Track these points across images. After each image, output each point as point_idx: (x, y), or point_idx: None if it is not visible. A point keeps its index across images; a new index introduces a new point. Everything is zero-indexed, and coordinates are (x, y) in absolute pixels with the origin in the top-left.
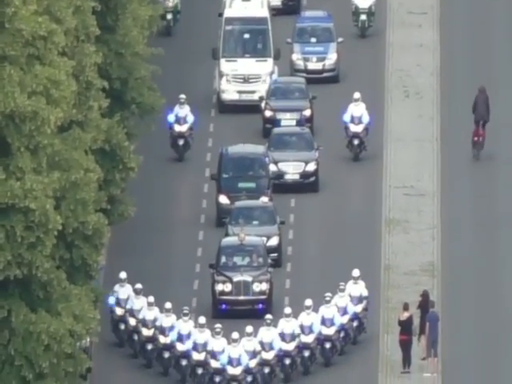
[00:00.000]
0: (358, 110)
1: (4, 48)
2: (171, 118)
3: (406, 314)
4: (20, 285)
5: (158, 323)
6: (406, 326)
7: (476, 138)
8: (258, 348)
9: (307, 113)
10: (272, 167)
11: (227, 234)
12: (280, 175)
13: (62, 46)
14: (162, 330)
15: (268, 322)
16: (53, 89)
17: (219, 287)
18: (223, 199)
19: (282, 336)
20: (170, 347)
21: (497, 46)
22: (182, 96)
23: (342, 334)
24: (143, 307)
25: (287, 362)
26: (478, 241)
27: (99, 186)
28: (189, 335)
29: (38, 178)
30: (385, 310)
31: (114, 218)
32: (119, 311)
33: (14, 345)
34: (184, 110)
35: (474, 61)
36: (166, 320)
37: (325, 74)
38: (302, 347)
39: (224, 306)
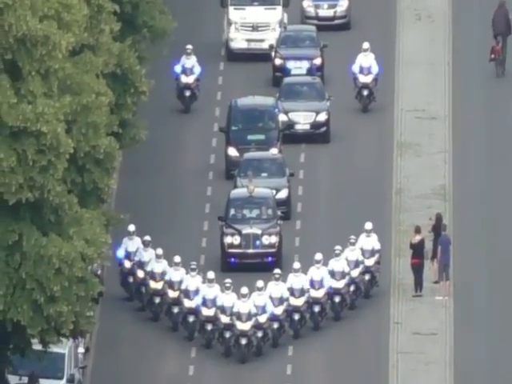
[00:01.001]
0: (367, 60)
1: None
2: (178, 68)
3: (417, 238)
4: (31, 209)
5: (166, 277)
6: (417, 250)
7: (493, 56)
8: (269, 303)
9: (318, 61)
10: (282, 117)
11: (236, 187)
12: (290, 125)
13: None
14: (171, 284)
15: (277, 276)
16: (64, 12)
17: (228, 240)
18: (232, 151)
19: (291, 291)
20: (179, 302)
21: None
22: (189, 46)
23: (352, 288)
24: (151, 259)
25: (296, 317)
26: (489, 164)
27: (111, 110)
28: (196, 291)
29: (50, 101)
30: (396, 234)
31: (126, 142)
32: (128, 264)
33: (25, 268)
34: (191, 61)
35: None
36: (174, 274)
37: (336, 21)
38: (311, 302)
39: (233, 260)
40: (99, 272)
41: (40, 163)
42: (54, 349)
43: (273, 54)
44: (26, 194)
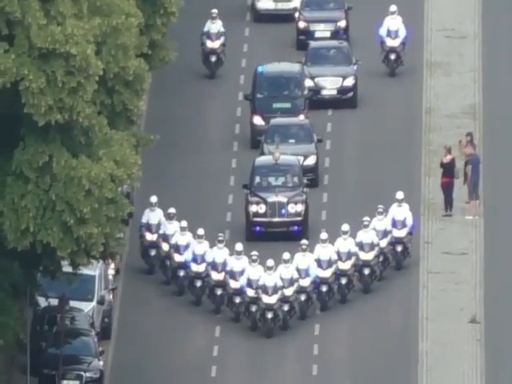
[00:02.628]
0: (394, 23)
1: None
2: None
3: (448, 157)
4: (61, 130)
5: (189, 250)
6: (448, 169)
7: None
8: (296, 275)
9: (342, 24)
10: (309, 82)
11: (263, 153)
12: (317, 91)
13: None
14: (194, 258)
15: (304, 247)
16: None
17: (253, 209)
18: (257, 120)
19: (319, 262)
20: (202, 275)
21: None
22: (214, 11)
23: (380, 259)
24: (176, 232)
25: (324, 289)
26: None
27: (140, 31)
28: (224, 263)
29: (79, 23)
30: (426, 153)
31: (155, 63)
32: (149, 236)
33: (55, 190)
34: (216, 26)
35: None
36: (198, 247)
37: None
38: (339, 274)
39: (258, 229)
40: (129, 191)
41: (69, 85)
42: (84, 271)
43: (296, 16)
44: (55, 116)
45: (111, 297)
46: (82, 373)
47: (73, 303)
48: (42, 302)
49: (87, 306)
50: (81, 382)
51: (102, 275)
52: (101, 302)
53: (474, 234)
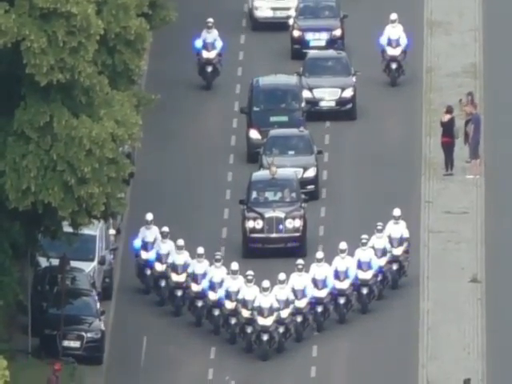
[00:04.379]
0: (395, 32)
1: None
2: (198, 43)
3: (448, 116)
4: (62, 90)
5: (189, 270)
6: (448, 128)
7: None
8: (291, 297)
9: (338, 33)
10: (306, 94)
11: (261, 166)
12: (315, 102)
13: None
14: (195, 278)
15: (299, 267)
16: None
17: (250, 224)
18: (254, 134)
19: (314, 282)
20: (202, 296)
21: None
22: (210, 20)
23: (379, 278)
24: (171, 251)
25: (320, 309)
26: None
27: None
28: (221, 283)
29: None
30: (427, 113)
31: (156, 23)
32: (145, 255)
33: (56, 150)
34: (212, 35)
35: None
36: (198, 266)
37: None
38: (336, 294)
39: (255, 245)
40: (130, 151)
41: (70, 44)
42: (85, 231)
43: (290, 24)
44: (56, 76)
45: (112, 257)
46: (83, 333)
47: (74, 263)
48: (43, 262)
49: (88, 266)
50: (82, 342)
51: (102, 235)
52: (102, 262)
53: (474, 194)
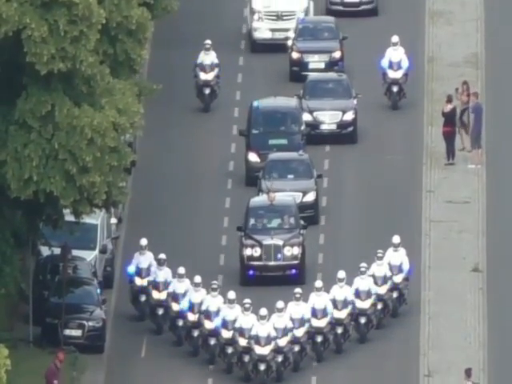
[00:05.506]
0: (396, 54)
1: None
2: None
3: (449, 106)
4: (63, 79)
5: (186, 299)
6: (449, 118)
7: None
8: (290, 325)
9: (337, 55)
10: (307, 116)
11: (260, 190)
12: (315, 125)
13: None
14: (191, 306)
15: (297, 296)
16: None
17: (247, 252)
18: (253, 157)
19: (313, 312)
20: (198, 324)
21: None
22: (208, 41)
23: (379, 306)
24: (172, 280)
25: (319, 339)
26: None
27: None
28: (217, 312)
29: None
30: (429, 102)
31: (158, 12)
32: (139, 281)
33: (57, 139)
34: (210, 57)
35: None
36: (195, 295)
37: (362, 7)
38: (334, 323)
39: (252, 272)
40: (132, 140)
41: (72, 33)
42: (87, 220)
43: (289, 45)
44: (57, 65)
45: (113, 246)
46: (85, 322)
47: (75, 252)
48: (45, 251)
49: (89, 255)
50: (83, 330)
51: (104, 224)
52: (103, 250)
53: (476, 183)
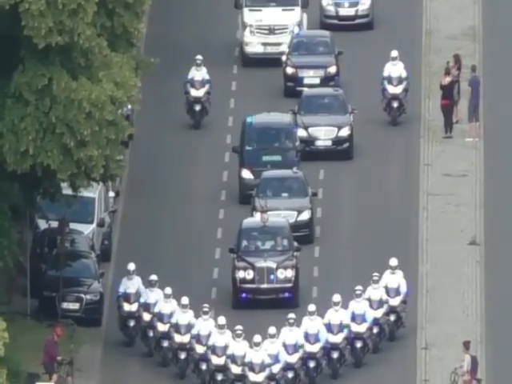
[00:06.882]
0: (396, 69)
1: None
2: None
3: (447, 79)
4: (61, 52)
5: (173, 320)
6: (447, 91)
7: None
8: (282, 351)
9: (332, 70)
10: (302, 132)
11: (254, 208)
12: (310, 141)
13: None
14: (178, 328)
15: (291, 322)
16: None
17: (240, 274)
18: (246, 174)
19: (306, 336)
20: (187, 348)
21: None
22: (199, 57)
23: (375, 330)
24: (159, 300)
25: (312, 364)
26: None
27: None
28: (209, 336)
29: None
30: (426, 75)
31: None
32: (127, 307)
33: (55, 112)
34: (201, 73)
35: None
36: (182, 317)
37: (358, 21)
38: (329, 348)
39: (245, 295)
40: (129, 113)
41: (69, 7)
42: (84, 193)
43: (283, 60)
44: (55, 38)
45: (111, 219)
46: (82, 295)
47: (73, 225)
48: (42, 224)
49: (87, 229)
50: (81, 304)
51: (101, 197)
52: (101, 224)
53: (473, 156)
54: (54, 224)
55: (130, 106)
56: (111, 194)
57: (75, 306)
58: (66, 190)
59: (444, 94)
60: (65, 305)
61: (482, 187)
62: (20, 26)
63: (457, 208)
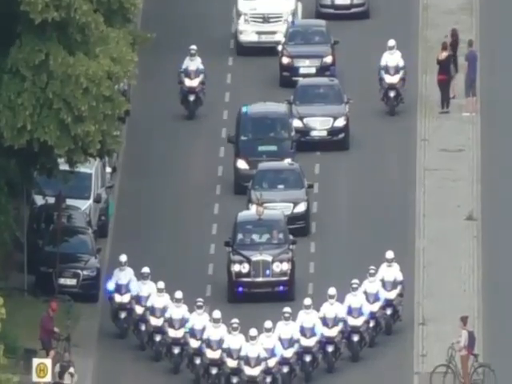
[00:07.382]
0: (393, 58)
1: None
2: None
3: (444, 54)
4: (58, 28)
5: (167, 314)
6: (444, 66)
7: None
8: (278, 345)
9: (328, 59)
10: (297, 123)
11: (250, 201)
12: (306, 132)
13: None
14: (171, 323)
15: (286, 316)
16: None
17: (236, 268)
18: (242, 164)
19: (302, 330)
20: (180, 342)
21: None
22: (193, 47)
23: (371, 324)
24: (151, 294)
25: (308, 359)
26: None
27: None
28: (203, 330)
29: None
30: (423, 50)
31: None
32: (119, 298)
33: (52, 88)
34: (195, 63)
35: None
36: (175, 311)
37: (353, 10)
38: (324, 342)
39: (241, 289)
40: (126, 88)
41: None
42: (81, 169)
43: (279, 50)
44: (52, 14)
45: (108, 195)
46: (79, 271)
47: (70, 201)
48: (39, 200)
49: (84, 204)
50: (78, 279)
51: (98, 173)
52: (97, 200)
53: (470, 131)
54: (51, 200)
55: (126, 81)
56: (108, 169)
57: (72, 281)
58: (63, 166)
59: (441, 68)
60: (62, 280)
61: (479, 162)
62: (16, 2)
63: (454, 183)
